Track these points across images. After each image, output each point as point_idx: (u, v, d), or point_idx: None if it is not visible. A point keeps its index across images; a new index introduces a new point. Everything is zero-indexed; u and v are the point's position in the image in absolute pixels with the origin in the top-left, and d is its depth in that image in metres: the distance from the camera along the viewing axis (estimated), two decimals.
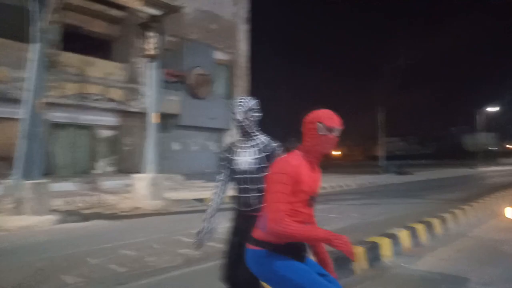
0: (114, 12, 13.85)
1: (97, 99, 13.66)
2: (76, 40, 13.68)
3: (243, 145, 2.37)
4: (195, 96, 17.47)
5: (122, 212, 8.23)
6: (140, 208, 8.68)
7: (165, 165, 15.29)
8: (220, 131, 18.67)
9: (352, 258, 1.86)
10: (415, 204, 9.81)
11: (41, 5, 7.61)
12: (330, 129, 1.96)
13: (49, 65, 12.03)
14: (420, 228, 5.25)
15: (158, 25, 9.98)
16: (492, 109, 41.57)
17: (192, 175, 15.54)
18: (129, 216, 7.90)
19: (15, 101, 11.04)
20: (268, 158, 2.31)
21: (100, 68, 13.85)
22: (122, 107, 14.41)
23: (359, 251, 4.01)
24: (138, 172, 10.38)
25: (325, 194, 12.44)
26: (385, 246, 4.39)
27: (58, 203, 8.40)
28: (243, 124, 2.31)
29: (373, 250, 4.19)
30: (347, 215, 7.82)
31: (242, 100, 2.35)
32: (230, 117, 2.37)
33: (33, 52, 7.63)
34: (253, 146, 2.35)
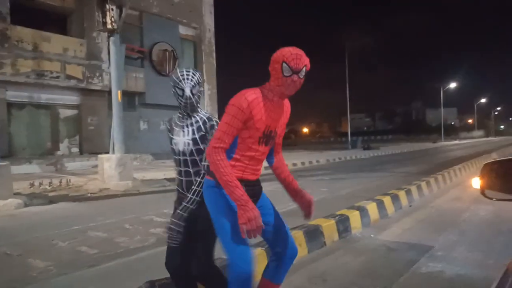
0: None
1: (55, 77, 12.97)
2: (29, 14, 12.78)
3: (181, 123, 2.13)
4: (159, 73, 16.97)
5: (90, 193, 7.99)
6: (108, 189, 8.46)
7: (133, 145, 14.96)
8: None
9: (242, 235, 1.83)
10: (382, 177, 10.21)
11: None
12: (295, 71, 1.86)
13: (0, 41, 11.25)
14: (386, 200, 5.47)
15: None
16: (453, 84, 43.41)
17: (161, 155, 15.27)
18: (97, 198, 7.70)
19: None
20: (205, 137, 2.10)
21: (56, 43, 13.08)
22: (83, 85, 13.78)
23: (330, 223, 4.14)
24: (104, 152, 10.04)
25: (295, 170, 12.66)
26: (354, 218, 4.55)
27: (21, 186, 8.03)
28: (191, 101, 2.06)
29: (342, 222, 4.33)
30: (317, 190, 8.01)
31: (190, 73, 2.09)
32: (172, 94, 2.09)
33: None
34: (191, 125, 2.11)
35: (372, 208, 5.03)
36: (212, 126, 2.10)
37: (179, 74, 2.08)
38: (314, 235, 3.87)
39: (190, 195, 2.04)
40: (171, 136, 2.14)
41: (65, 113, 14.04)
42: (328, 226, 4.09)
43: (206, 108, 19.16)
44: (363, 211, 4.80)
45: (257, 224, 1.79)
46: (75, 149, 14.29)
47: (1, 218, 5.83)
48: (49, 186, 8.51)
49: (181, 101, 2.05)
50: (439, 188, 7.60)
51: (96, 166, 10.49)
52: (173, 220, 2.05)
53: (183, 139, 2.09)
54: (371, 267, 3.37)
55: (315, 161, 16.66)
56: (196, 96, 2.06)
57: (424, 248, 3.82)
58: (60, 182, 8.89)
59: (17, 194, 7.10)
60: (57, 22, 14.33)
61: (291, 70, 1.85)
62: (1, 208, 6.39)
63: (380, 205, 5.26)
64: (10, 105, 12.34)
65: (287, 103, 2.10)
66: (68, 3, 13.99)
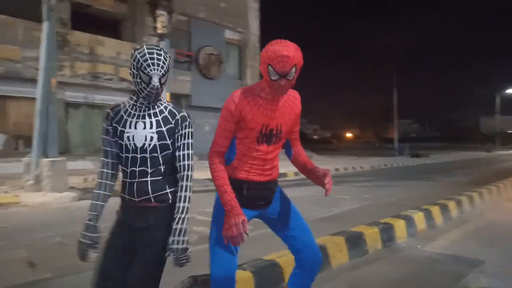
0: None
1: (108, 79, 13.73)
2: (86, 19, 13.66)
3: (138, 113, 1.69)
4: (205, 76, 17.40)
5: None
6: None
7: None
8: None
9: (225, 242, 1.77)
10: (430, 186, 9.75)
11: None
12: (282, 75, 1.69)
13: (60, 44, 12.09)
14: (435, 210, 5.22)
15: (167, 3, 9.86)
16: (511, 91, 40.54)
17: (204, 155, 15.57)
18: None
19: (31, 80, 11.18)
20: (173, 131, 1.70)
21: (110, 47, 13.84)
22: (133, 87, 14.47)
23: (373, 231, 4.02)
24: None
25: (337, 176, 12.43)
26: (399, 227, 4.39)
27: (75, 180, 8.56)
28: (157, 92, 1.65)
29: (387, 231, 4.20)
30: (360, 196, 7.81)
31: (161, 57, 1.64)
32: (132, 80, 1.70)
33: (44, 30, 7.63)
34: (154, 115, 1.70)
35: (419, 218, 4.82)
36: (184, 118, 1.73)
37: (146, 53, 1.62)
38: (356, 242, 3.78)
39: (181, 204, 1.67)
40: (121, 128, 1.67)
41: None
42: (371, 234, 3.98)
43: None
44: (409, 220, 4.62)
45: (238, 231, 1.69)
46: None
47: (57, 210, 6.27)
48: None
49: (143, 88, 1.63)
50: (493, 200, 7.12)
51: None
52: (175, 239, 1.61)
53: (143, 132, 1.66)
54: (415, 279, 3.23)
55: (359, 167, 16.25)
56: (163, 86, 1.68)
57: (473, 262, 3.61)
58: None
59: (72, 188, 7.60)
60: (111, 27, 15.19)
61: (277, 74, 1.69)
62: (57, 200, 6.87)
63: (428, 215, 5.03)
64: (68, 104, 13.23)
65: (294, 97, 1.94)
66: (121, 9, 14.78)
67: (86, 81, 13.13)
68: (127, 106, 1.72)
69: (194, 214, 5.85)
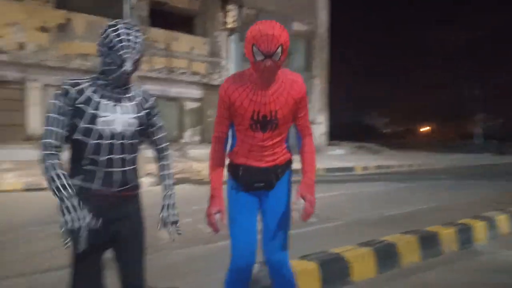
0: None
1: (182, 73, 14.44)
2: (162, 16, 14.46)
3: (115, 95, 1.55)
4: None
5: (207, 178, 8.76)
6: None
7: None
8: None
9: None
10: None
11: None
12: (267, 54, 1.60)
13: None
14: None
15: None
16: None
17: None
18: None
19: None
20: (148, 116, 1.65)
21: (184, 42, 14.51)
22: (205, 80, 15.04)
23: (449, 231, 3.76)
24: None
25: (410, 173, 11.76)
26: (479, 229, 4.05)
27: (151, 168, 9.22)
28: (128, 76, 1.54)
29: (464, 232, 3.90)
30: (436, 194, 7.32)
31: (137, 38, 1.50)
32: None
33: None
34: (129, 99, 1.59)
35: (502, 220, 4.40)
36: (155, 101, 1.69)
37: (121, 33, 1.47)
38: (429, 242, 3.57)
39: (167, 181, 1.74)
40: (93, 111, 1.48)
41: (189, 105, 15.59)
42: (447, 234, 3.72)
43: (315, 104, 19.09)
44: (490, 222, 4.23)
45: (209, 221, 1.86)
46: (197, 138, 15.76)
47: None
48: (174, 169, 9.60)
49: (113, 70, 1.50)
50: None
51: None
52: (170, 213, 1.74)
53: (122, 118, 1.54)
54: (491, 284, 2.97)
55: (436, 163, 15.19)
56: (136, 70, 1.56)
57: None
58: (184, 166, 9.93)
59: (148, 174, 8.20)
60: (185, 23, 15.92)
61: (263, 54, 1.60)
62: None
63: None
64: None
65: (292, 81, 1.81)
66: (194, 6, 15.40)
67: (162, 75, 13.98)
68: (94, 87, 1.52)
69: None
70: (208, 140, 15.31)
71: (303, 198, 1.84)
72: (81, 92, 1.50)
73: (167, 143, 1.77)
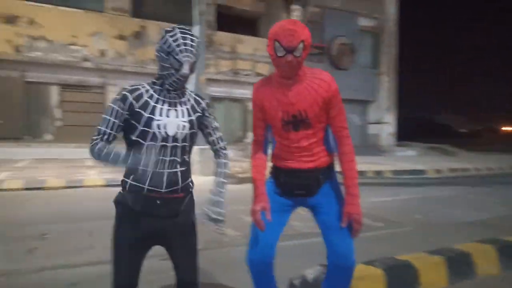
0: None
1: (247, 74, 14.75)
2: (228, 20, 14.90)
3: (169, 100, 1.62)
4: (337, 66, 17.08)
5: None
6: None
7: None
8: (364, 103, 17.94)
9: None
10: None
11: None
12: (288, 49, 1.63)
13: (207, 45, 13.48)
14: None
15: None
16: None
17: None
18: None
19: None
20: (200, 119, 1.70)
21: (248, 44, 14.81)
22: None
23: None
24: None
25: (489, 176, 10.76)
26: None
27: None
28: (186, 79, 1.61)
29: None
30: None
31: (194, 42, 1.58)
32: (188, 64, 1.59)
33: (194, 33, 8.63)
34: (183, 103, 1.66)
35: None
36: (208, 105, 1.75)
37: (179, 37, 1.55)
38: (510, 252, 3.26)
39: (221, 179, 1.78)
40: (148, 115, 1.57)
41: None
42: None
43: (382, 102, 18.30)
44: None
45: (254, 218, 1.88)
46: None
47: (203, 192, 7.14)
48: (239, 169, 9.84)
49: (171, 74, 1.58)
50: None
51: None
52: (216, 210, 1.80)
53: (176, 121, 1.61)
54: None
55: None
56: (192, 73, 1.62)
57: None
58: (248, 166, 10.15)
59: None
60: (249, 25, 16.24)
61: (284, 49, 1.63)
62: (203, 183, 7.73)
63: None
64: (212, 99, 14.77)
65: (320, 80, 1.79)
66: (258, 8, 15.64)
67: (227, 77, 14.42)
68: (151, 92, 1.61)
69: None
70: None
71: (349, 216, 1.82)
72: (139, 97, 1.58)
73: (224, 143, 1.83)
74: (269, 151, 2.07)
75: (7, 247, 3.67)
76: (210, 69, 13.73)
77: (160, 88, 1.62)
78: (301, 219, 4.97)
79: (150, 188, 1.59)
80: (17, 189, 6.55)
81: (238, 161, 11.14)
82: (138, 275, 1.67)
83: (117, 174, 7.53)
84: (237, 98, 15.37)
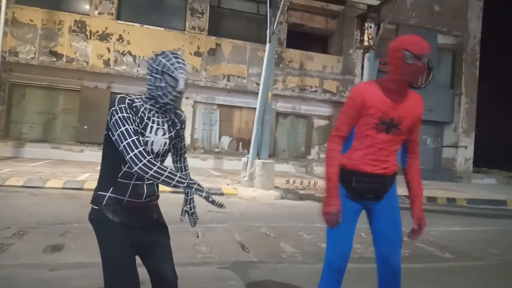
0: (333, 7, 14.49)
1: (313, 91, 14.76)
2: (298, 37, 15.11)
3: (157, 119, 1.70)
4: (411, 85, 16.32)
5: None
6: None
7: None
8: (440, 124, 16.90)
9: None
10: None
11: (273, 8, 8.76)
12: (417, 57, 1.84)
13: (277, 62, 13.82)
14: None
15: (376, 14, 9.84)
16: None
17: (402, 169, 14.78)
18: None
19: (252, 93, 13.30)
20: (178, 133, 1.80)
21: (317, 61, 14.85)
22: (336, 98, 15.05)
23: None
24: None
25: None
26: None
27: (279, 181, 9.66)
28: (181, 96, 1.68)
29: None
30: None
31: (184, 60, 1.69)
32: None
33: (266, 51, 8.92)
34: (167, 121, 1.74)
35: None
36: (184, 117, 1.86)
37: (172, 57, 1.64)
38: None
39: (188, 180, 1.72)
40: (141, 130, 1.61)
41: (318, 122, 15.80)
42: None
43: (460, 124, 17.04)
44: None
45: (328, 219, 1.96)
46: (323, 155, 15.81)
47: (264, 205, 7.25)
48: (300, 185, 9.83)
49: (167, 93, 1.63)
50: None
51: None
52: (192, 205, 2.01)
53: (162, 139, 1.71)
54: None
55: None
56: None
57: None
58: (309, 183, 10.10)
59: (276, 188, 8.62)
60: (320, 42, 16.30)
61: (414, 56, 1.83)
62: (265, 196, 7.94)
63: None
64: (278, 114, 15.00)
65: (418, 99, 2.04)
66: (331, 25, 15.65)
67: (294, 93, 14.57)
68: (143, 108, 1.65)
69: None
70: None
71: (419, 220, 2.06)
72: (136, 111, 1.62)
73: (186, 150, 1.99)
74: None
75: (83, 241, 4.08)
76: (278, 85, 14.00)
77: (152, 107, 1.68)
78: (363, 242, 4.83)
79: (129, 199, 1.65)
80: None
81: (299, 177, 11.12)
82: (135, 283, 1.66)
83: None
84: (302, 114, 15.41)
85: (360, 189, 2.02)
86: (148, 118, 1.65)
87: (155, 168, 1.51)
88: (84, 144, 12.23)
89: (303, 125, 15.66)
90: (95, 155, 11.63)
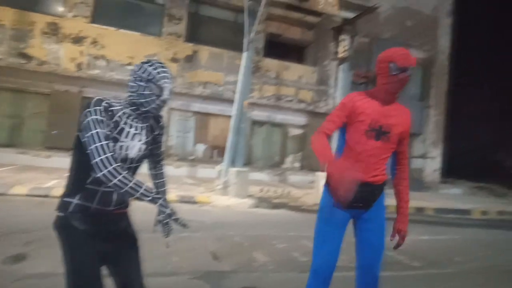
0: (310, 18, 14.77)
1: (289, 100, 14.93)
2: (275, 47, 15.28)
3: (136, 124, 1.67)
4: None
5: (305, 206, 8.80)
6: None
7: None
8: (411, 136, 17.41)
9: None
10: None
11: (251, 18, 8.85)
12: (402, 69, 1.91)
13: (253, 70, 13.89)
14: None
15: (351, 27, 10.11)
16: None
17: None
18: (311, 211, 8.37)
19: (228, 100, 13.30)
20: (156, 137, 1.79)
21: (293, 71, 15.05)
22: (311, 108, 15.28)
23: None
24: (321, 170, 10.84)
25: None
26: None
27: (253, 190, 9.66)
28: (165, 104, 1.68)
29: None
30: None
31: (168, 69, 1.67)
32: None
33: (243, 59, 8.97)
34: (145, 127, 1.72)
35: None
36: (163, 125, 1.85)
37: (158, 66, 1.64)
38: None
39: (163, 188, 1.84)
40: (115, 135, 1.58)
41: (293, 132, 15.96)
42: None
43: (428, 136, 17.67)
44: None
45: (352, 187, 1.64)
46: (297, 164, 15.97)
47: (238, 213, 7.22)
48: (274, 194, 9.86)
49: (152, 101, 1.62)
50: None
51: (312, 181, 11.47)
52: (165, 215, 1.59)
53: (138, 144, 1.68)
54: None
55: None
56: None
57: None
58: (283, 191, 10.16)
59: (250, 196, 8.61)
60: (296, 53, 16.54)
61: (398, 68, 1.91)
62: (239, 205, 7.91)
63: None
64: (254, 122, 15.04)
65: (406, 112, 2.13)
66: (307, 36, 15.93)
67: (270, 102, 14.67)
68: (121, 113, 1.62)
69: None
70: (308, 167, 15.35)
71: (399, 232, 2.14)
72: (111, 115, 1.58)
73: (163, 157, 1.94)
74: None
75: (49, 249, 3.92)
76: (254, 94, 14.07)
77: (132, 112, 1.65)
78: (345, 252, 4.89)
79: (97, 207, 1.59)
80: None
81: (273, 185, 11.17)
82: None
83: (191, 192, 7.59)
84: (278, 123, 15.53)
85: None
86: (125, 123, 1.62)
87: (119, 177, 1.47)
88: (52, 149, 11.82)
89: (278, 134, 15.78)
90: (63, 161, 11.24)
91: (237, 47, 12.56)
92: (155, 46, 12.90)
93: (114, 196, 1.63)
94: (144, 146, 1.70)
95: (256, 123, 15.22)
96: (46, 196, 6.85)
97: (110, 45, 12.29)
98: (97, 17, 12.48)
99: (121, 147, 1.60)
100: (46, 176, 8.83)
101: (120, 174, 1.47)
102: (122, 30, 12.51)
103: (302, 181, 14.03)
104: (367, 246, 2.14)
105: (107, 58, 12.32)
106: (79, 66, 12.06)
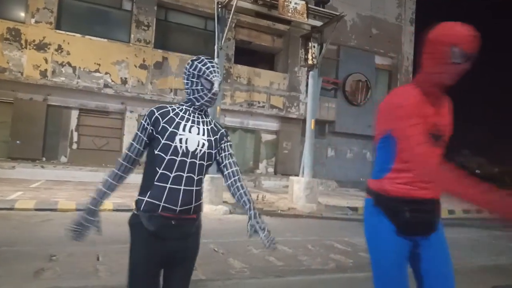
0: (279, 26, 14.96)
1: (261, 106, 15.02)
2: (246, 54, 15.38)
3: (193, 118, 1.73)
4: (351, 103, 17.28)
5: (280, 210, 8.83)
6: (295, 209, 9.15)
7: (320, 170, 15.70)
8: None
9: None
10: None
11: (221, 25, 8.86)
12: (467, 56, 1.44)
13: (225, 77, 13.89)
14: None
15: (319, 35, 10.33)
16: None
17: (345, 183, 15.40)
18: (285, 215, 8.43)
19: None
20: (217, 143, 1.79)
21: (265, 78, 15.19)
22: (282, 113, 15.44)
23: None
24: (294, 174, 10.93)
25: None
26: None
27: (227, 196, 9.60)
28: (216, 97, 1.75)
29: None
30: None
31: (214, 63, 1.75)
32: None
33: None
34: (205, 123, 1.77)
35: None
36: (226, 133, 1.86)
37: (207, 62, 1.73)
38: None
39: (251, 203, 1.79)
40: (172, 129, 1.65)
41: (265, 137, 16.05)
42: None
43: None
44: None
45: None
46: (271, 169, 16.05)
47: (212, 220, 7.15)
48: None
49: (203, 95, 1.71)
50: None
51: (287, 186, 11.55)
52: (259, 220, 1.72)
53: (197, 138, 1.70)
54: None
55: None
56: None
57: None
58: (257, 197, 10.15)
59: (225, 202, 8.55)
60: (267, 60, 16.71)
61: (465, 55, 1.44)
62: (213, 212, 7.83)
63: None
64: (227, 128, 15.01)
65: (449, 102, 1.68)
66: (277, 44, 16.15)
67: (242, 108, 14.71)
68: (177, 110, 1.72)
69: (333, 241, 5.84)
70: (281, 171, 15.46)
71: None
72: (165, 114, 1.68)
73: (238, 167, 1.86)
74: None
75: (13, 267, 3.74)
76: (226, 100, 14.06)
77: (187, 108, 1.74)
78: (309, 254, 4.93)
79: (165, 205, 1.61)
80: (28, 209, 6.66)
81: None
82: None
83: (126, 199, 7.54)
84: (250, 128, 15.57)
85: (415, 221, 1.60)
86: (182, 118, 1.70)
87: (115, 170, 1.69)
88: (16, 160, 11.27)
89: (251, 139, 15.81)
90: (28, 172, 10.76)
91: (208, 54, 12.41)
92: (123, 53, 12.65)
93: (180, 195, 1.64)
94: (206, 143, 1.71)
95: (229, 129, 15.19)
96: (10, 209, 6.50)
97: (76, 52, 11.93)
98: (62, 24, 12.10)
99: (180, 139, 1.65)
100: (10, 188, 8.39)
101: (116, 170, 1.70)
102: (88, 37, 12.18)
103: (276, 186, 14.09)
104: (439, 277, 1.66)
105: (73, 65, 11.95)
106: (43, 74, 11.62)
